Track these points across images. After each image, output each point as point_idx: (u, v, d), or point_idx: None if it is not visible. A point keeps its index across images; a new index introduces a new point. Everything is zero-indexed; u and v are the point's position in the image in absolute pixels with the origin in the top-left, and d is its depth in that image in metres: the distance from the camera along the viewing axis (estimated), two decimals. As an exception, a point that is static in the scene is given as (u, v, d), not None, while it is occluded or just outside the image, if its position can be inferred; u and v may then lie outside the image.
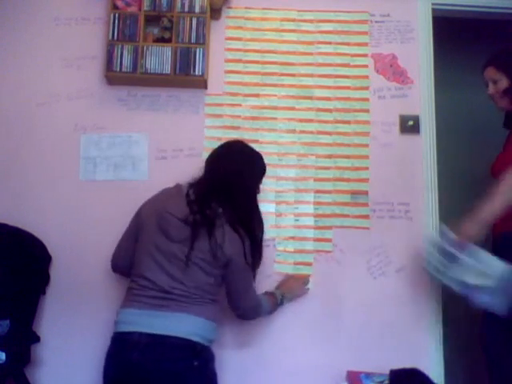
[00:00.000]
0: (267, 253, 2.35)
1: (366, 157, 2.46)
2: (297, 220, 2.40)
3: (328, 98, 2.50)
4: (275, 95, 2.50)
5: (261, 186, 2.08)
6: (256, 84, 2.50)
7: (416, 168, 2.46)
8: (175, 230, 1.84)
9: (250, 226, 1.92)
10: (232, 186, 1.91)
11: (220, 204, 1.88)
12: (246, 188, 1.97)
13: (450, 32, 2.98)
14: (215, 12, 2.50)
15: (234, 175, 1.92)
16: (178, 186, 1.98)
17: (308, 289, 2.29)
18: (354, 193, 2.42)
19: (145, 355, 1.72)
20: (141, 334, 1.74)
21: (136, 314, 1.80)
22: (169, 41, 2.41)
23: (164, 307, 1.77)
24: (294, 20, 2.57)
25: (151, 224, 1.89)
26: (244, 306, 1.95)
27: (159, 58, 2.39)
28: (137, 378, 1.74)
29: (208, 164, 2.01)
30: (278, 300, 2.12)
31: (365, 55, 2.54)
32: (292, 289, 2.24)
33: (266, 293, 2.12)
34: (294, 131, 2.47)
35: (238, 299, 1.93)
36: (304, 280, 2.29)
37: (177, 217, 1.85)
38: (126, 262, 1.98)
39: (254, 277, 1.98)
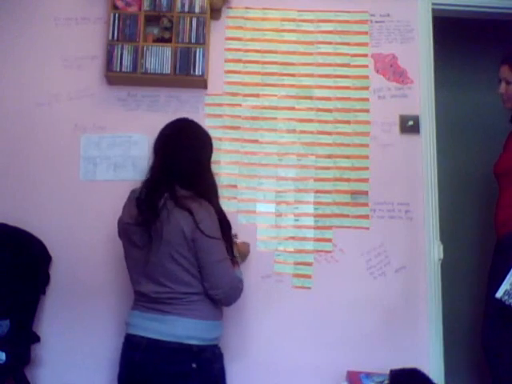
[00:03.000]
0: (267, 253, 2.36)
1: (366, 157, 2.45)
2: (297, 220, 2.40)
3: (328, 98, 2.50)
4: (275, 95, 2.50)
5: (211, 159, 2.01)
6: (256, 84, 2.50)
7: (416, 168, 2.45)
8: (137, 236, 1.82)
9: (212, 199, 1.87)
10: (186, 164, 1.86)
11: (173, 187, 1.82)
12: (201, 161, 1.93)
13: (450, 32, 2.98)
14: (215, 12, 2.50)
15: (185, 152, 1.87)
16: (132, 191, 1.93)
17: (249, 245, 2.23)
18: (354, 193, 2.42)
19: (146, 357, 1.75)
20: (142, 337, 1.78)
21: (138, 316, 1.83)
22: (169, 41, 2.40)
23: (158, 311, 1.79)
24: (294, 20, 2.56)
25: (124, 238, 1.91)
26: (220, 281, 1.80)
27: (159, 58, 2.39)
28: (139, 378, 1.77)
29: (156, 150, 1.93)
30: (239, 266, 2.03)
31: (365, 55, 2.54)
32: (244, 253, 2.17)
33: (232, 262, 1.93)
34: (294, 131, 2.47)
35: (211, 275, 1.79)
36: (246, 244, 2.22)
37: (131, 223, 1.83)
38: None
39: (229, 250, 1.87)
